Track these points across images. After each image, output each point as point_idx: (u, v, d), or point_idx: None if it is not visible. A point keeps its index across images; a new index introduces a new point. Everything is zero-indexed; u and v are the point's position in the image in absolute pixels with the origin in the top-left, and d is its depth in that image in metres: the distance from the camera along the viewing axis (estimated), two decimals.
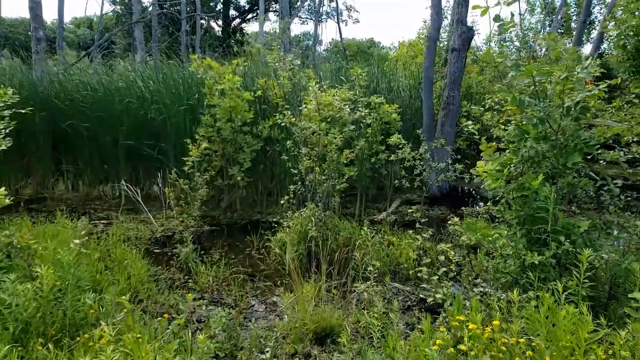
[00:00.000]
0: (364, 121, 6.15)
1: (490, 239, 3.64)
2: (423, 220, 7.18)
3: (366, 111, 5.38)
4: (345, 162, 5.60)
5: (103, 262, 4.68)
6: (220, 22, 34.07)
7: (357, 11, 38.91)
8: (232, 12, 34.33)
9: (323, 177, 5.38)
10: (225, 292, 4.54)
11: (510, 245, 3.19)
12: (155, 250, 5.83)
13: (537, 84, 3.33)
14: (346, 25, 33.93)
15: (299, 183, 5.53)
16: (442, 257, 4.82)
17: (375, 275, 3.97)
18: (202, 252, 5.73)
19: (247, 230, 6.64)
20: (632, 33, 5.24)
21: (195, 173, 6.05)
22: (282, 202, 5.28)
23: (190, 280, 4.73)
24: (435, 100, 9.00)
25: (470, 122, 4.24)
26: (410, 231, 5.29)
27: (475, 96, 10.68)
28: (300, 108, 5.17)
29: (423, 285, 4.24)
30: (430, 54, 8.30)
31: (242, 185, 7.68)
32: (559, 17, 13.84)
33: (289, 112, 5.00)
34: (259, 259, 5.48)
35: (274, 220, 6.98)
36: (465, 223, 5.61)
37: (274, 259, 5.41)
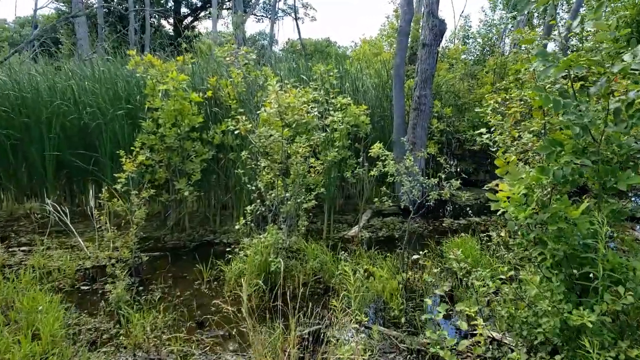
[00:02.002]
0: (332, 126, 5.30)
1: (515, 286, 2.84)
2: (399, 234, 6.49)
3: (339, 115, 4.52)
4: (313, 176, 4.72)
5: (3, 315, 3.61)
6: (171, 20, 32.35)
7: (313, 9, 38.09)
8: (184, 10, 32.69)
9: (287, 194, 4.48)
10: (166, 348, 3.55)
11: (545, 297, 2.41)
12: (83, 288, 4.74)
13: (573, 79, 2.57)
14: (303, 23, 33.11)
15: (258, 201, 4.60)
16: (435, 290, 4.05)
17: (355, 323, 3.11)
18: (141, 288, 4.70)
19: (197, 256, 5.64)
20: None
21: (132, 191, 4.98)
22: (237, 226, 4.34)
23: (121, 333, 3.72)
24: (405, 101, 8.28)
25: (484, 130, 3.47)
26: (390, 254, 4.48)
27: (445, 95, 10.09)
28: (257, 112, 4.25)
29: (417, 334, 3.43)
30: (402, 49, 7.56)
31: (190, 200, 6.65)
32: (525, 12, 13.57)
33: (244, 117, 4.07)
34: (210, 295, 4.50)
35: (229, 241, 6.04)
36: (452, 243, 4.85)
37: (229, 295, 4.45)
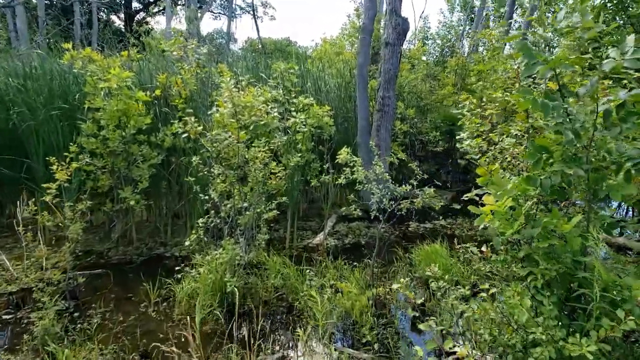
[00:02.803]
0: (295, 128, 4.86)
1: (504, 309, 2.49)
2: (366, 240, 6.14)
3: (302, 116, 4.07)
4: (275, 183, 4.26)
5: None
6: (122, 15, 30.78)
7: (272, 7, 37.48)
8: (136, 5, 31.21)
9: (245, 204, 4.00)
10: None
11: (537, 323, 2.07)
12: (4, 317, 4.06)
13: (559, 78, 2.25)
14: (262, 21, 32.44)
15: (212, 212, 4.09)
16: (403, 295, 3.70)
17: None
18: (76, 314, 4.09)
19: (144, 273, 5.05)
20: None
21: (66, 203, 4.35)
22: (187, 242, 3.82)
23: None
24: (368, 102, 7.96)
25: (465, 135, 3.13)
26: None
27: (407, 97, 9.88)
28: (210, 112, 3.75)
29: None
30: (365, 47, 7.22)
31: (138, 209, 6.03)
32: (484, 13, 13.65)
33: (193, 119, 3.54)
34: (158, 320, 3.95)
35: (182, 254, 5.48)
36: (422, 252, 4.54)
37: (180, 318, 3.92)
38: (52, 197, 4.21)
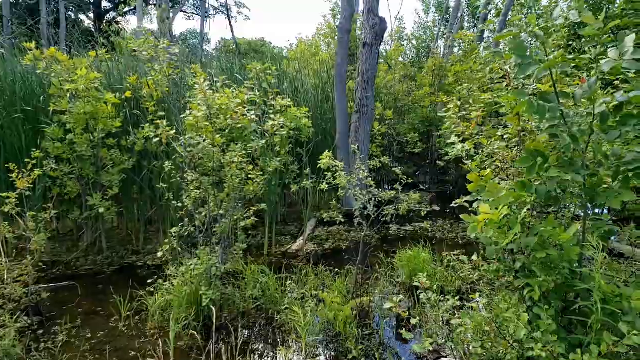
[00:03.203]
0: (272, 131, 4.68)
1: (498, 321, 2.37)
2: (347, 245, 6.01)
3: (280, 119, 3.89)
4: (252, 188, 4.08)
5: None
6: (91, 14, 29.89)
7: (247, 8, 37.09)
8: (105, 4, 30.36)
9: (221, 212, 3.81)
10: None
11: (534, 339, 1.97)
12: None
13: (555, 80, 2.16)
14: (236, 22, 32.03)
15: (186, 221, 3.88)
16: (389, 308, 3.58)
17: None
18: (40, 332, 3.83)
19: (115, 284, 4.81)
20: None
21: (29, 213, 4.07)
22: (159, 254, 3.61)
23: None
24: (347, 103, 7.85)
25: (454, 139, 3.01)
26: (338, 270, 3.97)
27: (385, 98, 9.82)
28: (183, 115, 3.54)
29: None
30: (343, 47, 7.10)
31: (109, 217, 5.75)
32: (459, 15, 13.73)
33: (164, 122, 3.33)
34: (129, 335, 3.73)
35: (155, 263, 5.25)
36: (404, 257, 4.44)
37: (154, 333, 3.71)
38: (13, 207, 3.94)
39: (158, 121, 3.28)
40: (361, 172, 3.66)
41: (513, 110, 2.67)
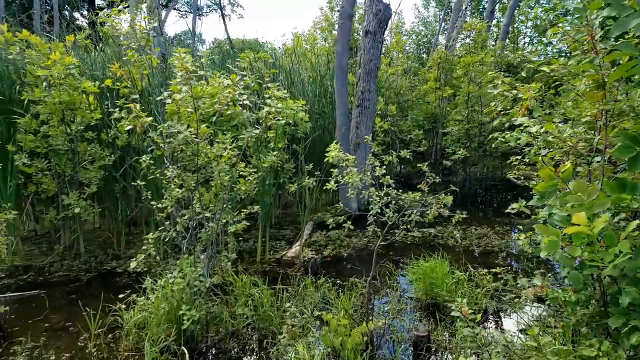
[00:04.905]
0: (267, 122, 4.15)
1: None
2: (348, 252, 5.50)
3: (279, 105, 3.36)
4: (244, 188, 3.55)
5: None
6: (85, 12, 29.28)
7: (241, 6, 36.49)
8: (99, 2, 29.76)
9: (207, 215, 3.29)
10: None
11: None
12: None
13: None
14: (230, 20, 31.41)
15: (167, 224, 3.36)
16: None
17: None
18: None
19: (90, 294, 4.29)
20: None
21: None
22: (132, 264, 3.08)
23: None
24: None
25: (529, 121, 2.43)
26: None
27: (386, 92, 9.31)
28: (159, 97, 3.00)
29: None
30: (344, 35, 6.60)
31: (88, 216, 5.22)
32: (464, 7, 13.24)
33: (138, 106, 2.80)
34: (99, 359, 3.20)
35: (135, 271, 4.71)
36: (420, 269, 3.93)
37: (127, 357, 3.19)
38: None
39: (130, 104, 2.74)
40: (377, 169, 3.15)
41: (609, 79, 1.99)
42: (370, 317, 3.25)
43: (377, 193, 3.09)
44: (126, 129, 2.85)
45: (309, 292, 3.88)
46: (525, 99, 2.32)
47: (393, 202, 3.12)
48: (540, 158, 1.93)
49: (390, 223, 3.05)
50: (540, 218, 2.07)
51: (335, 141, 6.84)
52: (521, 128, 2.27)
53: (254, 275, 3.85)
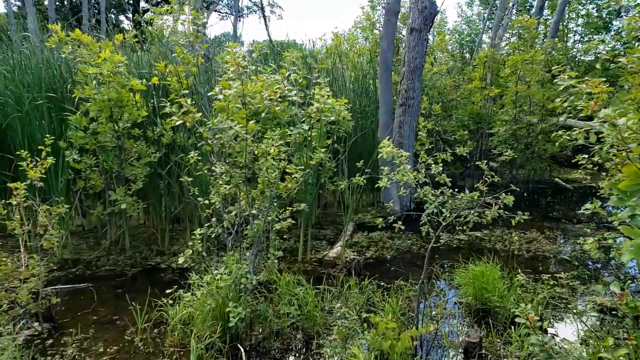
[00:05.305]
0: (315, 117, 4.09)
1: None
2: (392, 254, 5.36)
3: (328, 100, 3.24)
4: (290, 185, 3.49)
5: None
6: (130, 14, 30.38)
7: (280, 7, 36.83)
8: (143, 5, 30.80)
9: (253, 211, 3.26)
10: None
11: None
12: None
13: None
14: (269, 20, 31.75)
15: (213, 221, 3.35)
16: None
17: None
18: (49, 342, 3.37)
19: (135, 289, 4.34)
20: None
21: (41, 207, 3.63)
22: (180, 260, 3.08)
23: None
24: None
25: (613, 113, 2.25)
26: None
27: (430, 92, 9.08)
28: (210, 93, 2.98)
29: None
30: (389, 32, 6.47)
31: (134, 212, 5.32)
32: (511, 4, 12.82)
33: (189, 101, 2.79)
34: (145, 353, 3.22)
35: (179, 267, 4.76)
36: (470, 273, 3.76)
37: (173, 352, 3.19)
38: (23, 200, 3.50)
39: (181, 99, 2.73)
40: (433, 166, 3.03)
41: None
42: (412, 319, 3.12)
43: (433, 192, 2.97)
44: (177, 124, 2.84)
45: (353, 294, 3.79)
46: (596, 92, 2.13)
47: (450, 201, 2.98)
48: (625, 154, 1.75)
49: (444, 224, 2.92)
50: (618, 219, 1.89)
51: (375, 141, 6.75)
52: (600, 121, 2.06)
53: (298, 275, 3.79)
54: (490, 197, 2.92)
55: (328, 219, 7.00)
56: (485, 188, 2.93)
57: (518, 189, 3.00)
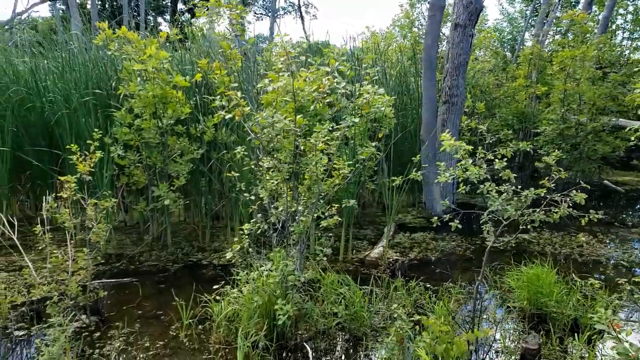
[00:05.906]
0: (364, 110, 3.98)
1: None
2: (436, 256, 5.19)
3: (380, 90, 3.19)
4: (338, 181, 3.40)
5: None
6: (167, 16, 31.20)
7: (315, 7, 36.97)
8: (181, 7, 31.56)
9: (299, 207, 3.19)
10: None
11: None
12: (16, 334, 3.42)
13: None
14: (304, 21, 31.89)
15: (259, 217, 3.29)
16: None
17: None
18: (97, 335, 3.40)
19: (178, 284, 4.35)
20: None
21: (90, 201, 3.67)
22: (228, 255, 3.03)
23: None
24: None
25: None
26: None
27: (472, 90, 8.81)
28: (260, 85, 2.92)
29: None
30: (434, 27, 6.29)
31: (175, 209, 5.36)
32: (556, 1, 12.35)
33: (239, 94, 2.75)
34: (190, 349, 3.19)
35: (221, 263, 4.76)
36: (524, 277, 3.56)
37: (218, 348, 3.15)
38: (72, 193, 3.55)
39: (230, 92, 2.68)
40: (497, 161, 2.88)
41: None
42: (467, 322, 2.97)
43: (496, 188, 2.81)
44: (226, 117, 2.79)
45: (399, 295, 3.66)
46: None
47: (515, 198, 2.82)
48: None
49: (505, 223, 2.76)
50: None
51: (419, 137, 6.59)
52: None
53: (343, 274, 3.69)
54: (558, 195, 2.74)
55: (367, 219, 6.87)
56: (552, 185, 2.75)
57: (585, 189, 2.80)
